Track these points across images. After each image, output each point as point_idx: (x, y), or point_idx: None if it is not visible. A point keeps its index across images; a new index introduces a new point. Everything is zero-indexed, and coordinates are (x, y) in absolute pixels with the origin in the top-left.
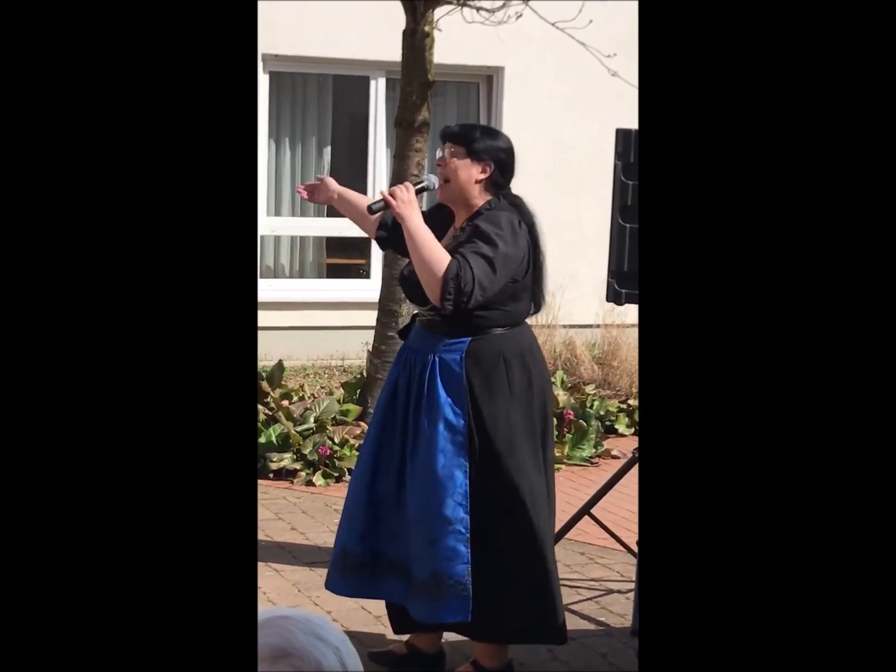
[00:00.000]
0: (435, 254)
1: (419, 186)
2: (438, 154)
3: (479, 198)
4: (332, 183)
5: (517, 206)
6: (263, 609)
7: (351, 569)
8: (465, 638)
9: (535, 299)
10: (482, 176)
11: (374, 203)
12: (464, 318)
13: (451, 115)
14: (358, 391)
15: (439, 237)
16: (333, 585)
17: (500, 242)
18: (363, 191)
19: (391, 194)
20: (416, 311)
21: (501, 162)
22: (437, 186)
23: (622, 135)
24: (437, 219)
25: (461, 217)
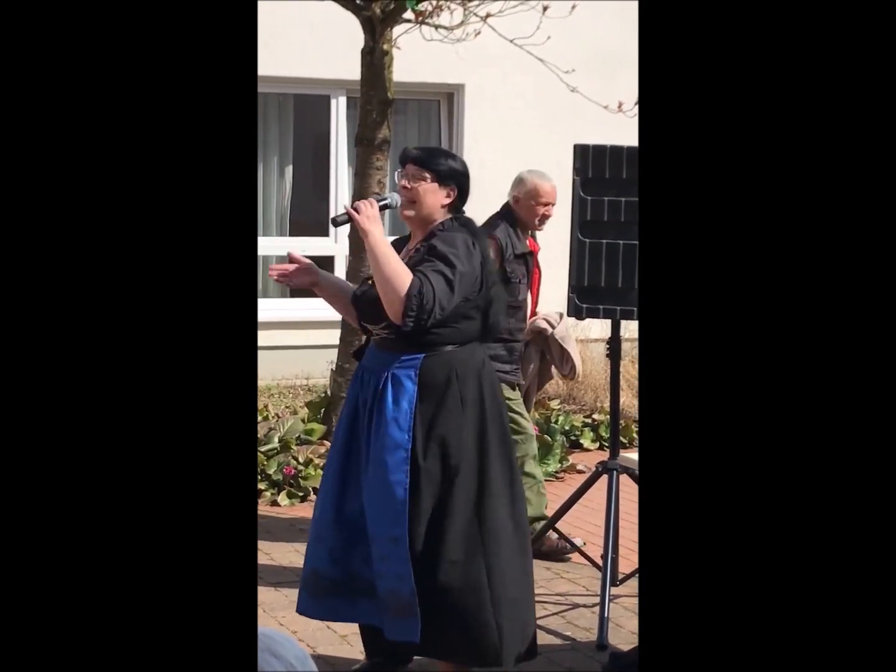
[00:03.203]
0: (398, 270)
1: (382, 203)
2: (399, 177)
3: (440, 220)
4: (314, 265)
5: (467, 226)
6: None
7: (324, 590)
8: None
9: (488, 319)
10: (447, 200)
11: (339, 216)
12: (418, 335)
13: (412, 132)
14: (322, 410)
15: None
16: (305, 608)
17: (457, 262)
18: (325, 210)
19: (355, 209)
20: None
21: (463, 186)
22: (398, 205)
23: (580, 150)
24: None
25: (416, 237)
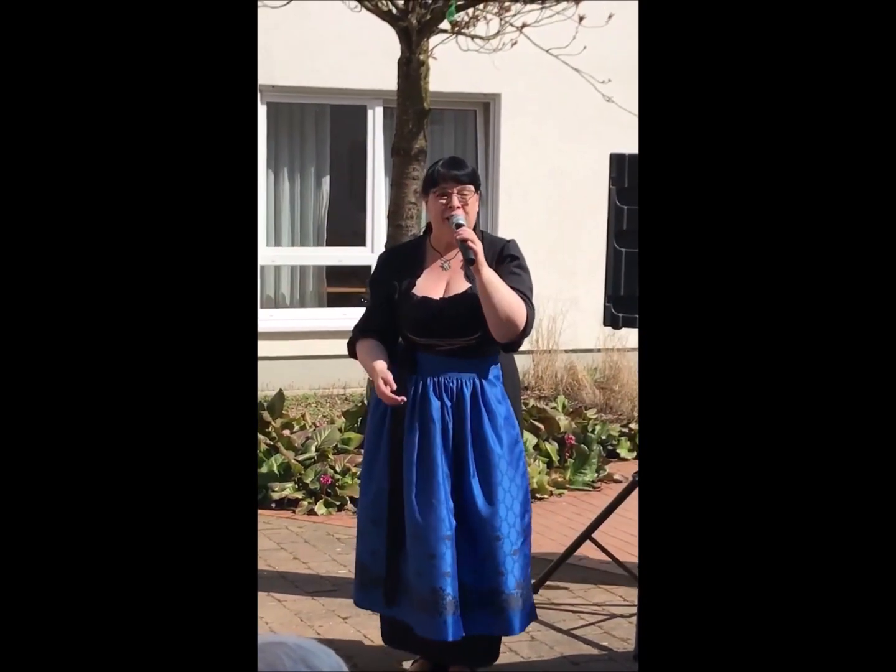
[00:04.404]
0: (515, 297)
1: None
2: (454, 199)
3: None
4: (389, 378)
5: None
6: (263, 634)
7: (451, 608)
8: None
9: None
10: (477, 207)
11: (469, 255)
12: (493, 341)
13: (448, 142)
14: (359, 419)
15: (413, 273)
16: (443, 631)
17: (528, 269)
18: (362, 220)
19: (474, 241)
20: (423, 343)
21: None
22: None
23: (616, 159)
24: (404, 260)
25: (448, 247)
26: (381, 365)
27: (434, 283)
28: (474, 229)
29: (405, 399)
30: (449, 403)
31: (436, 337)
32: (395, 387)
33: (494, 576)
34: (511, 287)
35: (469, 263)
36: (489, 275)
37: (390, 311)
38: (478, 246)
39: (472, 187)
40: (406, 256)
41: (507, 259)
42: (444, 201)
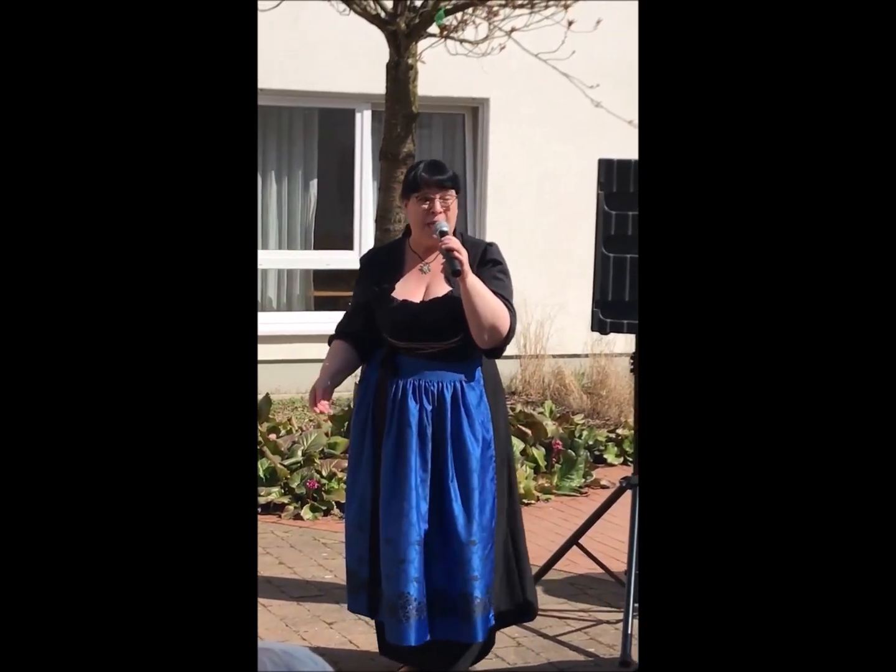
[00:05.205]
0: (499, 304)
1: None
2: (436, 204)
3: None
4: (320, 391)
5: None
6: None
7: (416, 613)
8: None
9: None
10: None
11: (455, 266)
12: (474, 344)
13: (436, 146)
14: (346, 424)
15: (393, 277)
16: (406, 636)
17: (509, 274)
18: (350, 223)
19: (459, 251)
20: (403, 346)
21: None
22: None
23: (604, 165)
24: (384, 263)
25: (428, 250)
26: (322, 376)
27: (414, 287)
28: (454, 232)
29: (326, 411)
30: (429, 407)
31: (416, 340)
32: (319, 400)
33: (468, 580)
34: (493, 292)
35: (455, 275)
36: (473, 281)
37: (369, 315)
38: (463, 256)
39: (453, 192)
40: (386, 260)
41: (489, 263)
42: (426, 206)
